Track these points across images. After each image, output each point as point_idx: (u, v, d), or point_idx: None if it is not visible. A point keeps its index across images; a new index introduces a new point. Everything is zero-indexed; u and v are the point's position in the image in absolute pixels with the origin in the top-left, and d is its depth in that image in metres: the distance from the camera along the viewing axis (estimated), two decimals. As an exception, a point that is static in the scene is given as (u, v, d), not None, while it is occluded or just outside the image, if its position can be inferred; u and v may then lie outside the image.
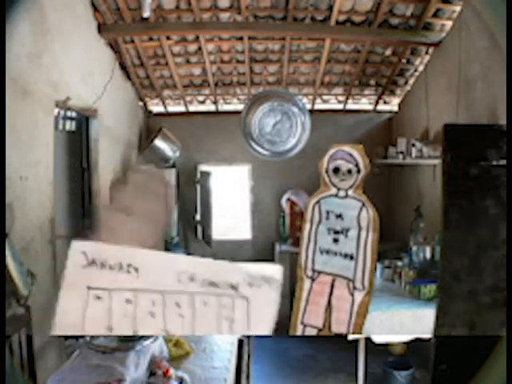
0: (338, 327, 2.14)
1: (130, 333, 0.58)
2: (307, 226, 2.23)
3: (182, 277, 0.60)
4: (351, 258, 2.13)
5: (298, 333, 2.35)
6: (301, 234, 2.26)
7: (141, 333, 0.59)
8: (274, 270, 0.70)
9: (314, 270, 2.20)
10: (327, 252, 2.19)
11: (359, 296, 2.11)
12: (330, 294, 2.18)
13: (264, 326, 0.63)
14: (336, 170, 2.18)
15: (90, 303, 0.60)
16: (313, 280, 2.21)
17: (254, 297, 0.64)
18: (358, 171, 2.15)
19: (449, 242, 1.79)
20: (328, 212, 2.20)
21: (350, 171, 2.15)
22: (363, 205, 2.12)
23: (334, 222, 2.18)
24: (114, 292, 0.59)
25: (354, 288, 2.12)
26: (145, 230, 0.83)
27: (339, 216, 2.17)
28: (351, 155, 2.15)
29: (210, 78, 4.45)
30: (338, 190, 2.19)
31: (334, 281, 2.18)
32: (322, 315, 2.18)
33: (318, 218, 2.21)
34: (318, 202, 2.23)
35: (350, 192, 2.16)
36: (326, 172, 2.22)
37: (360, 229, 2.12)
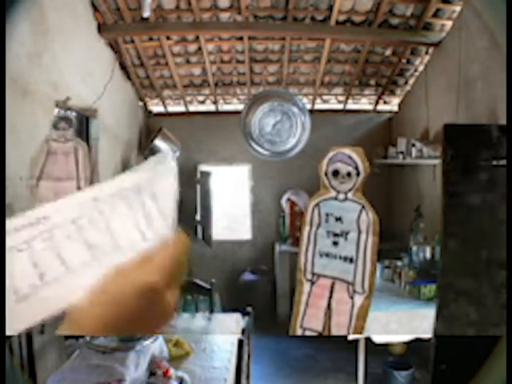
0: (338, 331, 2.14)
1: (58, 265, 0.58)
2: (307, 229, 2.22)
3: (86, 203, 0.61)
4: (351, 261, 2.12)
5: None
6: (300, 237, 2.26)
7: (68, 260, 0.58)
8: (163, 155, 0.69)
9: (313, 273, 2.20)
10: (327, 255, 2.18)
11: (359, 299, 2.10)
12: (330, 297, 2.17)
13: (169, 199, 0.63)
14: (335, 173, 2.17)
15: (12, 259, 0.60)
16: (312, 283, 2.20)
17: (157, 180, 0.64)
18: (358, 174, 2.14)
19: (448, 242, 1.78)
20: (327, 215, 2.19)
21: (349, 174, 2.15)
22: (363, 208, 2.12)
23: (333, 225, 2.18)
24: (32, 240, 0.60)
25: (354, 291, 2.11)
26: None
27: (339, 219, 2.16)
28: (351, 158, 2.14)
29: (210, 78, 4.45)
30: (338, 192, 2.18)
31: (333, 284, 2.17)
32: (322, 319, 2.17)
33: (318, 220, 2.20)
34: (317, 204, 2.22)
35: (350, 195, 2.16)
36: (326, 175, 2.21)
37: (360, 232, 2.11)
